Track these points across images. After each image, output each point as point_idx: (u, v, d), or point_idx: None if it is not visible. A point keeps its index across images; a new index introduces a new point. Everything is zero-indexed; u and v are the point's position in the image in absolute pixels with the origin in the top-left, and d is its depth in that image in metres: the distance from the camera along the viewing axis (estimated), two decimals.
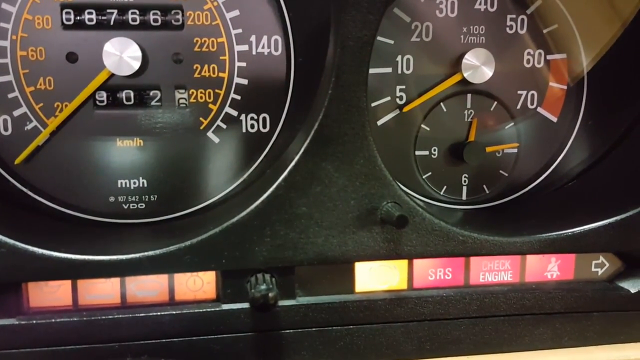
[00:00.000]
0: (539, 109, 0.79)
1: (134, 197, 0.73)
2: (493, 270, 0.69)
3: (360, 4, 0.59)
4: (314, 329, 0.65)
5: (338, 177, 0.61)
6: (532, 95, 0.78)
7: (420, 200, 0.78)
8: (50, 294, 0.63)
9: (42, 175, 0.71)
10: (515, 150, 0.78)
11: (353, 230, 0.62)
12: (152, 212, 0.73)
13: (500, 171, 0.79)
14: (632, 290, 0.69)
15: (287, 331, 0.65)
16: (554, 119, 0.79)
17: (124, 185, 0.72)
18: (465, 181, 0.79)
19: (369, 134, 0.61)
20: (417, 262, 0.68)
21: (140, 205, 0.73)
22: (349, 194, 0.62)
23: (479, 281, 0.69)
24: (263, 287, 0.58)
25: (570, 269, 0.71)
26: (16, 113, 0.69)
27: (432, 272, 0.68)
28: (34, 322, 0.61)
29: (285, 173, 0.61)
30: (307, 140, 0.60)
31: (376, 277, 0.67)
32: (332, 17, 0.61)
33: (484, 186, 0.79)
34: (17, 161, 0.69)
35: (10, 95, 0.69)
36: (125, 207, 0.73)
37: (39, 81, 0.69)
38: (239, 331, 0.64)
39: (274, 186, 0.61)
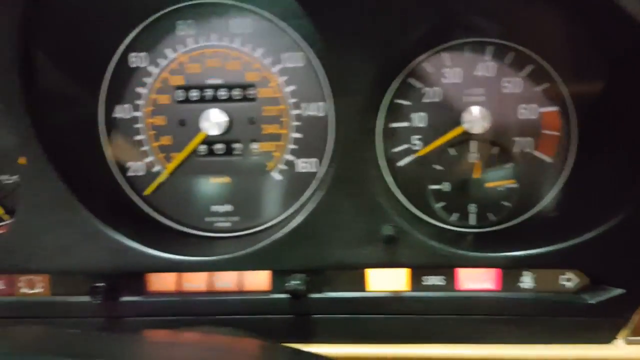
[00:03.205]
0: (535, 152, 0.94)
1: (222, 218, 0.99)
2: (476, 280, 0.87)
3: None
4: (336, 315, 0.87)
5: (350, 208, 0.84)
6: (528, 141, 0.93)
7: (435, 224, 0.97)
8: (162, 282, 0.92)
9: (162, 202, 0.99)
10: (515, 185, 0.95)
11: (363, 246, 0.84)
12: (234, 229, 0.99)
13: (503, 202, 0.95)
14: (592, 301, 0.83)
15: (316, 316, 0.87)
16: (549, 160, 0.94)
17: (215, 210, 0.99)
18: (472, 210, 0.96)
19: (371, 178, 0.84)
20: (416, 270, 0.88)
21: (227, 224, 0.99)
22: (358, 219, 0.83)
23: (465, 287, 0.88)
24: (293, 282, 0.84)
25: (545, 282, 0.87)
26: (146, 160, 0.98)
27: (426, 278, 0.87)
28: (152, 299, 0.91)
29: (315, 204, 0.85)
30: (329, 182, 0.84)
31: (385, 280, 0.88)
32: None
33: (490, 214, 0.96)
34: (146, 192, 0.99)
35: (142, 149, 0.98)
36: (216, 225, 0.99)
37: (161, 139, 0.97)
38: (283, 313, 0.88)
39: (307, 214, 0.85)
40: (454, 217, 0.97)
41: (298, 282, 0.84)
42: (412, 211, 0.95)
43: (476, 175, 0.95)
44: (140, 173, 0.99)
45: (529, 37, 0.92)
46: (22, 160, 0.97)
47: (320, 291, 0.88)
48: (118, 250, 0.87)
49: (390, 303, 0.87)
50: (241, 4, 0.93)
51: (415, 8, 0.79)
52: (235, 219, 1.00)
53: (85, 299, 0.88)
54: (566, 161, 0.94)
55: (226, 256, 0.88)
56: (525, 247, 0.85)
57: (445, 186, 0.96)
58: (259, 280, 0.91)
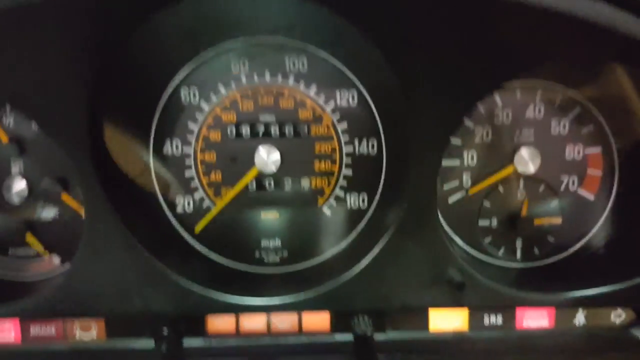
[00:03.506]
0: (579, 190, 0.98)
1: (272, 253, 0.98)
2: (533, 318, 0.91)
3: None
4: (399, 354, 0.90)
5: (416, 251, 0.85)
6: (573, 179, 0.97)
7: (482, 258, 1.01)
8: (222, 323, 0.92)
9: (211, 238, 0.97)
10: (560, 222, 0.99)
11: (427, 287, 0.85)
12: (284, 263, 0.99)
13: (548, 237, 0.98)
14: None
15: (380, 354, 0.89)
16: (592, 198, 0.99)
17: (265, 244, 0.98)
18: (519, 245, 0.99)
19: (437, 223, 0.86)
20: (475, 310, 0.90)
21: (276, 259, 0.99)
22: (423, 262, 0.85)
23: (522, 326, 0.91)
24: (364, 325, 0.86)
25: (595, 318, 0.92)
26: (196, 196, 0.96)
27: (487, 317, 0.90)
28: (213, 342, 0.90)
29: (381, 247, 0.85)
30: (395, 226, 0.85)
31: (445, 320, 0.91)
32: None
33: (535, 249, 0.99)
34: (197, 229, 0.97)
35: (192, 184, 0.96)
36: (266, 259, 0.99)
37: (211, 175, 0.95)
38: (346, 354, 0.89)
39: (372, 256, 0.86)
40: (501, 251, 0.99)
41: (365, 324, 0.85)
42: (466, 250, 0.97)
43: (524, 212, 0.97)
44: (189, 209, 0.98)
45: (577, 81, 0.95)
46: (65, 197, 0.95)
47: (382, 331, 0.89)
48: (181, 293, 0.86)
49: (451, 343, 0.89)
50: (298, 43, 0.92)
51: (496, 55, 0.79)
52: (284, 253, 1.00)
53: (145, 342, 0.87)
54: (609, 199, 0.98)
55: (286, 299, 0.88)
56: (577, 284, 0.89)
57: (493, 222, 0.99)
58: (318, 320, 0.91)
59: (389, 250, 0.86)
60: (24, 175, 0.96)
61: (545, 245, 0.99)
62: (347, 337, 0.89)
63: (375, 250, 0.86)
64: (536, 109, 0.96)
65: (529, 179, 0.97)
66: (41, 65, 0.76)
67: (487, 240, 0.99)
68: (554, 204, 0.98)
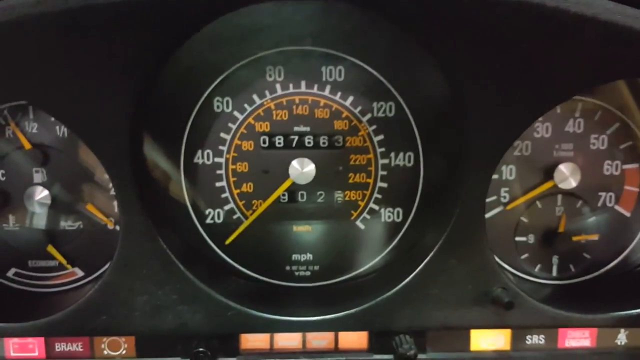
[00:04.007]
0: (616, 207, 0.97)
1: (302, 267, 0.96)
2: (576, 338, 0.89)
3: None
4: None
5: (460, 269, 0.82)
6: (610, 196, 0.96)
7: (517, 274, 0.99)
8: (255, 341, 0.89)
9: (243, 250, 0.94)
10: (597, 238, 0.98)
11: (470, 307, 0.83)
12: (315, 278, 0.96)
13: (584, 254, 0.97)
14: None
15: None
16: (628, 214, 0.98)
17: (296, 258, 0.95)
18: (555, 261, 0.98)
19: (485, 239, 0.84)
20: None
21: (307, 273, 0.96)
22: (468, 281, 0.82)
23: (565, 345, 0.90)
24: (407, 346, 0.83)
25: (636, 337, 0.91)
26: (226, 207, 0.93)
27: (529, 337, 0.89)
28: (246, 359, 0.88)
29: (422, 265, 0.83)
30: (440, 243, 0.83)
31: (487, 339, 0.89)
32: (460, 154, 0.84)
33: (571, 265, 0.98)
34: (227, 242, 0.94)
35: (222, 195, 0.92)
36: (297, 274, 0.96)
37: (243, 186, 0.92)
38: None
39: (414, 274, 0.84)
40: (537, 268, 0.98)
41: (408, 344, 0.82)
42: (506, 267, 0.95)
43: (562, 229, 0.96)
44: (219, 221, 0.94)
45: (617, 96, 0.93)
46: (90, 207, 0.91)
47: (423, 352, 0.87)
48: (216, 310, 0.83)
49: None
50: (336, 52, 0.90)
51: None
52: (315, 267, 0.97)
53: None
54: None
55: (324, 317, 0.85)
56: (617, 304, 0.88)
57: (530, 238, 0.97)
58: (355, 338, 0.89)
59: (432, 267, 0.84)
60: (47, 185, 0.92)
61: (581, 263, 0.98)
62: (386, 357, 0.86)
63: (418, 267, 0.84)
64: (576, 124, 0.94)
65: (567, 195, 0.96)
66: (87, 73, 0.73)
67: (524, 256, 0.97)
68: (592, 220, 0.97)
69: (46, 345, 0.88)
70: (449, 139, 0.88)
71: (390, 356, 0.86)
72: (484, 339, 0.88)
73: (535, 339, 0.89)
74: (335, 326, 0.85)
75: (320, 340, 0.89)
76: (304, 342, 0.90)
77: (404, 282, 0.84)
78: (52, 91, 0.75)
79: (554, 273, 0.98)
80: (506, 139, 0.80)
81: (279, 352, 0.89)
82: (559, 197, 0.96)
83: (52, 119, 0.91)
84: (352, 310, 0.85)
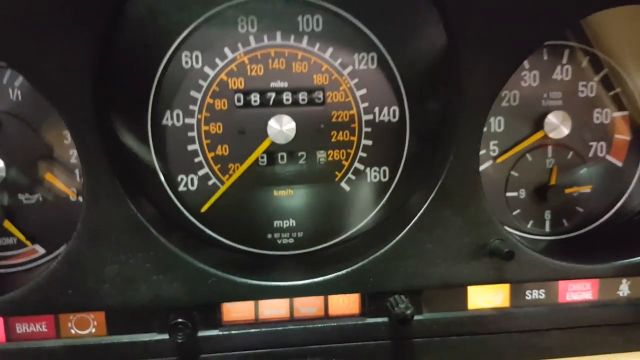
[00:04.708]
0: (607, 156, 0.94)
1: (285, 234, 0.90)
2: (576, 291, 0.86)
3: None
4: (436, 338, 0.82)
5: (455, 221, 0.78)
6: (601, 145, 0.93)
7: (509, 232, 0.94)
8: (238, 311, 0.82)
9: (220, 218, 0.87)
10: (589, 190, 0.94)
11: (467, 261, 0.79)
12: (299, 245, 0.90)
13: (577, 207, 0.94)
14: None
15: (416, 339, 0.82)
16: (620, 164, 0.95)
17: (278, 225, 0.90)
18: (547, 216, 0.95)
19: (480, 188, 0.79)
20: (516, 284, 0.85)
21: (290, 240, 0.90)
22: (464, 233, 0.78)
23: (566, 299, 0.86)
24: (403, 306, 0.77)
25: (637, 288, 0.87)
26: (200, 173, 0.86)
27: (529, 292, 0.85)
28: (231, 332, 0.81)
29: (416, 219, 0.78)
30: (433, 194, 0.78)
31: (484, 296, 0.85)
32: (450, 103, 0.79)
33: (564, 220, 0.95)
34: (203, 210, 0.87)
35: (196, 160, 0.85)
36: (279, 242, 0.90)
37: (217, 148, 0.85)
38: (379, 339, 0.81)
39: (407, 229, 0.79)
40: (530, 224, 0.94)
41: (404, 304, 0.77)
42: None
43: (553, 181, 0.92)
44: (193, 187, 0.87)
45: (605, 41, 0.90)
46: (49, 177, 0.83)
47: (419, 313, 0.81)
48: (194, 279, 0.76)
49: (492, 321, 0.83)
50: None
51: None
52: (299, 234, 0.91)
53: (153, 336, 0.76)
54: (637, 165, 0.94)
55: (313, 280, 0.79)
56: (617, 253, 0.85)
57: (522, 193, 0.93)
58: (347, 303, 0.83)
59: (426, 220, 0.79)
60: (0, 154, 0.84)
61: (574, 217, 0.95)
62: (380, 320, 0.80)
63: (411, 226, 0.79)
64: (563, 70, 0.91)
65: (558, 146, 0.93)
66: (43, 29, 0.68)
67: (516, 212, 0.93)
68: (584, 171, 0.93)
69: (5, 326, 0.79)
70: (436, 88, 0.83)
71: (385, 319, 0.81)
72: (481, 297, 0.83)
73: (535, 294, 0.85)
74: (325, 289, 0.80)
75: (309, 307, 0.84)
76: (291, 310, 0.83)
77: (397, 238, 0.79)
78: (9, 41, 0.68)
79: (547, 228, 0.95)
80: (499, 78, 0.76)
81: (265, 321, 0.82)
82: (550, 148, 0.93)
83: (4, 81, 0.83)
84: (343, 271, 0.79)
